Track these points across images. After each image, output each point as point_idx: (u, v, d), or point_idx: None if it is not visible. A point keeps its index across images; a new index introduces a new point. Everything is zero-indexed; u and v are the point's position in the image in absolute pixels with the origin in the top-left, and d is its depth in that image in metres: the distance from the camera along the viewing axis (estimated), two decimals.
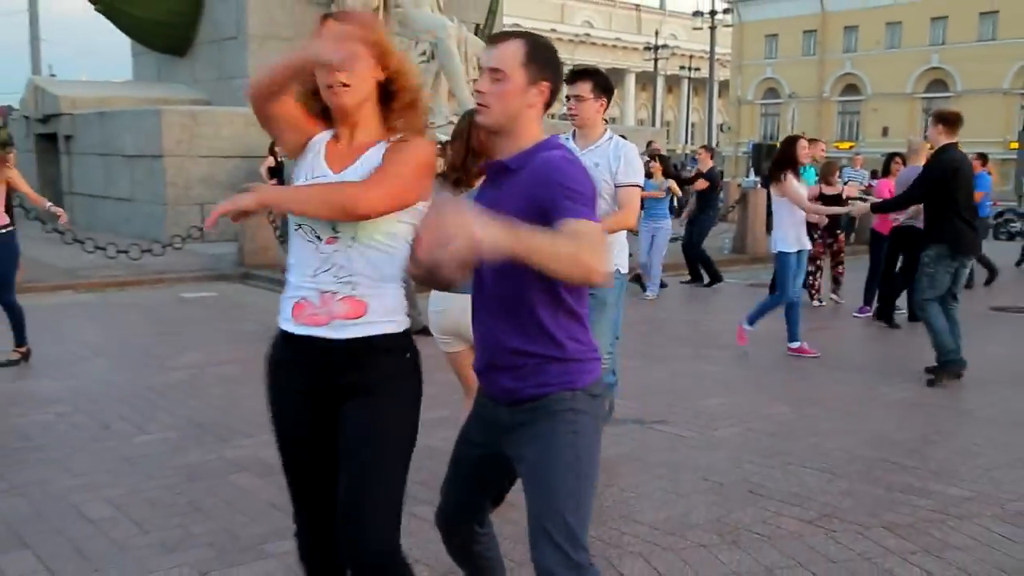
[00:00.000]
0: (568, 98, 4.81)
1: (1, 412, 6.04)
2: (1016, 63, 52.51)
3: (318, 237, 2.49)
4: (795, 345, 8.07)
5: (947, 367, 7.04)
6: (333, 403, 2.56)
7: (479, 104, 2.57)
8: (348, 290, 2.50)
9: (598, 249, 2.28)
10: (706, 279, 12.43)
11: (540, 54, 2.55)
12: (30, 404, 6.26)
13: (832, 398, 6.58)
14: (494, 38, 2.65)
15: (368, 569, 2.50)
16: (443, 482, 2.95)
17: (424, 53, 17.62)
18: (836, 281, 11.25)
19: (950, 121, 7.36)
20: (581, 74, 4.88)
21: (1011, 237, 19.04)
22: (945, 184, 7.04)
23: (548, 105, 2.61)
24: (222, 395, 6.51)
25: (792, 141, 8.45)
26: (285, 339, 2.59)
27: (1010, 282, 13.37)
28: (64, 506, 4.47)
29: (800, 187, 8.03)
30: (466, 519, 2.92)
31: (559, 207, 2.36)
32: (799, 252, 8.01)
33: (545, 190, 2.42)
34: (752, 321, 8.16)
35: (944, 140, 7.30)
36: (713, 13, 47.96)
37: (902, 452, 5.32)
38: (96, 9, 18.54)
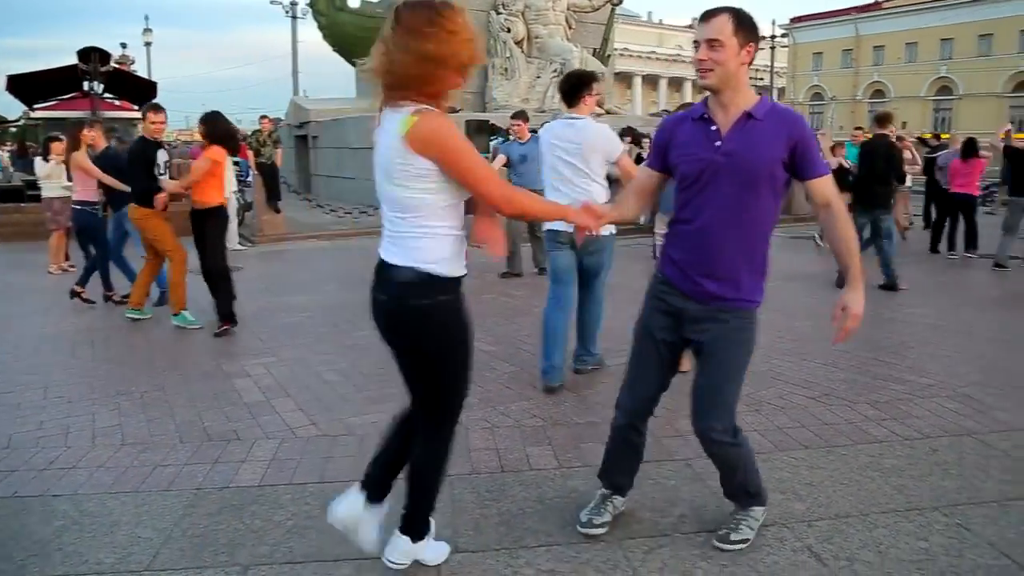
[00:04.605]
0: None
1: (273, 315, 6.49)
2: (1006, 72, 48.80)
3: None
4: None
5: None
6: None
7: (702, 70, 2.35)
8: None
9: None
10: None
11: (745, 22, 2.34)
12: (289, 310, 6.68)
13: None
14: (705, 14, 2.36)
15: None
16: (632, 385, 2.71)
17: (556, 71, 17.55)
18: None
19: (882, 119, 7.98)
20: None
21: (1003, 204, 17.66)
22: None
23: (750, 63, 2.40)
24: None
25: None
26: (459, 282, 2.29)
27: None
28: (311, 373, 4.81)
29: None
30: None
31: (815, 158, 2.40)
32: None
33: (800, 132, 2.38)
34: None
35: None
36: (774, 36, 47.04)
37: (887, 353, 5.19)
38: (334, 50, 19.19)
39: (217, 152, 5.89)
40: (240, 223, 11.27)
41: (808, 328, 5.95)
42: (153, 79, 20.90)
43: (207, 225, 5.98)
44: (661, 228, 4.96)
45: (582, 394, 4.37)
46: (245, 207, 12.30)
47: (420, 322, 2.24)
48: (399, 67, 2.11)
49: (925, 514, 2.90)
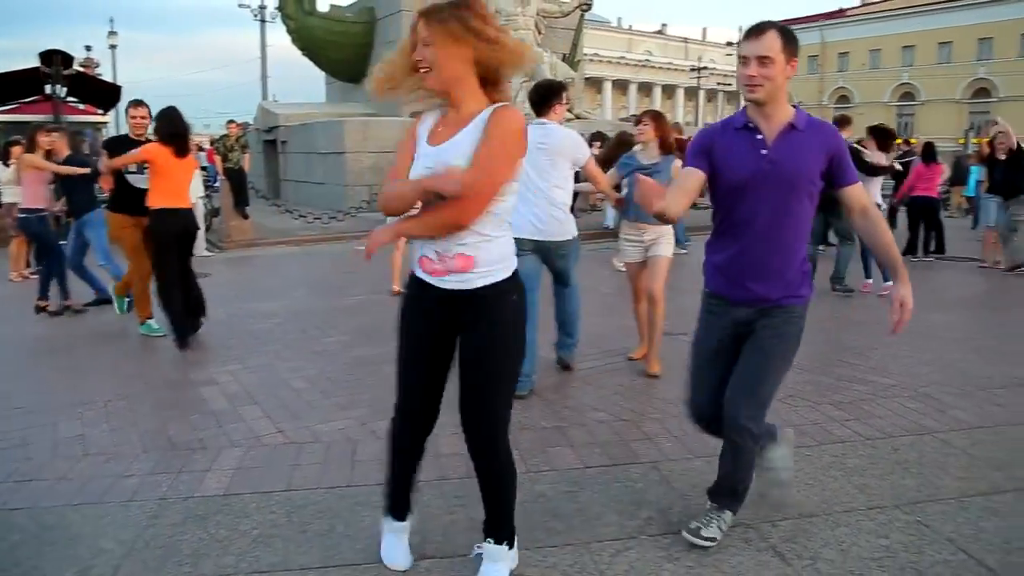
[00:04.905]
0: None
1: (241, 322, 6.43)
2: (965, 80, 50.20)
3: None
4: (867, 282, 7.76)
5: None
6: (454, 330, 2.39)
7: (752, 85, 2.46)
8: (458, 248, 2.24)
9: None
10: None
11: (791, 38, 2.48)
12: (258, 316, 6.62)
13: (809, 318, 6.49)
14: (754, 30, 2.48)
15: (484, 441, 2.44)
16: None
17: (526, 76, 17.62)
18: None
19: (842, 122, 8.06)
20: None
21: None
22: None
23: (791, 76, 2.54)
24: (379, 313, 6.66)
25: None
26: (415, 281, 2.37)
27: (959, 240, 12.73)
28: (278, 380, 4.77)
29: None
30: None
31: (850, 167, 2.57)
32: None
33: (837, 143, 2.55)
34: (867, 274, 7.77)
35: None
36: (741, 43, 47.68)
37: (851, 354, 5.29)
38: (303, 54, 19.05)
39: (151, 148, 5.50)
40: (208, 229, 11.13)
41: None
42: (118, 83, 20.55)
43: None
44: (628, 232, 4.99)
45: (549, 399, 4.38)
46: (213, 212, 12.16)
47: None
48: None
49: (886, 512, 2.95)
